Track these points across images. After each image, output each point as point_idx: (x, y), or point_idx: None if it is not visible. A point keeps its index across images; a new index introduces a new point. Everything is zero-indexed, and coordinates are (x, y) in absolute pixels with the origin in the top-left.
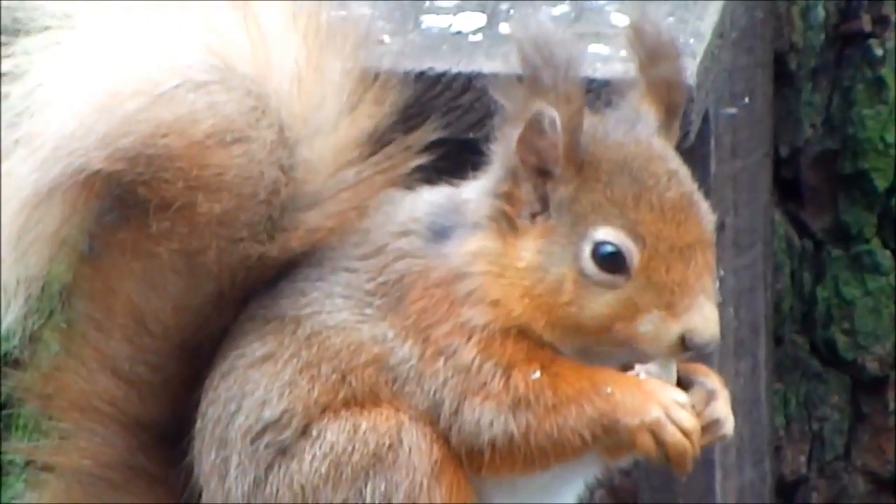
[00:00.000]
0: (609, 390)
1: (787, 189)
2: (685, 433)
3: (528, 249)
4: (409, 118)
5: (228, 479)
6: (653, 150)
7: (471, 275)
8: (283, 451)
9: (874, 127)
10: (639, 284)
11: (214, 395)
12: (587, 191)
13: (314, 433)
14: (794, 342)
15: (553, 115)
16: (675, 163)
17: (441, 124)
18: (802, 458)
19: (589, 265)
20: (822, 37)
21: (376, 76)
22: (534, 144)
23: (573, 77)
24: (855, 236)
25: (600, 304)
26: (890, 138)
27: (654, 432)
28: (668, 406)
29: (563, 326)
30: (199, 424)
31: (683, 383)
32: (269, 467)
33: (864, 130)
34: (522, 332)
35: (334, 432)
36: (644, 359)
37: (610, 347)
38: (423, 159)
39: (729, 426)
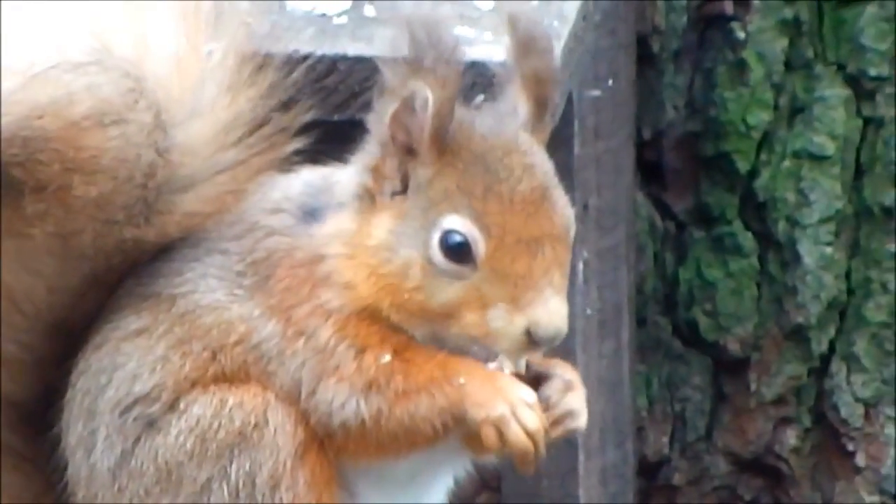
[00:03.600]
0: (462, 381)
1: (650, 171)
2: (529, 433)
3: (380, 228)
4: (286, 101)
5: (95, 453)
6: (514, 143)
7: (328, 256)
8: (151, 425)
9: (736, 109)
10: (485, 276)
11: (85, 365)
12: (443, 177)
13: (181, 406)
14: (657, 323)
15: (427, 95)
16: (537, 158)
17: (306, 106)
18: (665, 439)
19: (436, 254)
20: (685, 19)
21: (254, 57)
22: (405, 122)
23: (454, 63)
24: (717, 218)
25: (448, 293)
26: (752, 121)
27: (499, 428)
28: (515, 404)
29: (409, 311)
30: (68, 395)
31: (541, 375)
32: (136, 441)
33: (726, 113)
34: (375, 315)
35: (201, 406)
36: (495, 354)
37: (462, 340)
38: (300, 143)
39: (582, 420)
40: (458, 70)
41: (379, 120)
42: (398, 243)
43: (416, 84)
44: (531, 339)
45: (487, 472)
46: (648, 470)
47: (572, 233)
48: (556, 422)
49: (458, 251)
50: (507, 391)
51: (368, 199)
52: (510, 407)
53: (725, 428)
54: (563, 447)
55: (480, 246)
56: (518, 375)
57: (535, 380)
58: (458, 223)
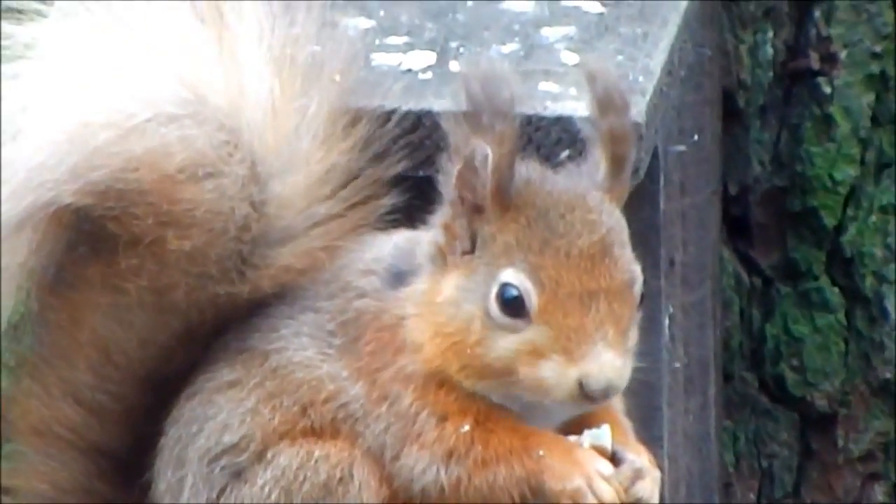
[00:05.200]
0: (541, 453)
1: (736, 226)
2: None
3: (449, 286)
4: (378, 156)
5: (181, 500)
6: (580, 200)
7: (406, 319)
8: (238, 475)
9: (822, 164)
10: (538, 329)
11: (178, 414)
12: (505, 232)
13: (269, 457)
14: (744, 379)
15: (486, 152)
16: (603, 216)
17: (397, 159)
18: (752, 496)
19: (494, 307)
20: (771, 74)
21: (347, 112)
22: (469, 181)
23: (511, 118)
24: (804, 273)
25: (503, 346)
26: (838, 176)
27: (575, 501)
28: (592, 477)
29: (475, 370)
30: (160, 442)
31: (615, 460)
32: (222, 491)
33: (813, 168)
34: (448, 381)
35: (288, 457)
36: (554, 408)
37: (521, 393)
38: (393, 198)
39: None
40: (515, 125)
41: (446, 180)
42: (463, 299)
43: (476, 142)
44: (584, 392)
45: None
46: None
47: (636, 289)
48: None
49: (513, 304)
50: (584, 464)
51: (441, 258)
52: (586, 480)
53: (813, 484)
54: None
55: (533, 299)
56: (598, 450)
57: (611, 461)
58: (514, 277)
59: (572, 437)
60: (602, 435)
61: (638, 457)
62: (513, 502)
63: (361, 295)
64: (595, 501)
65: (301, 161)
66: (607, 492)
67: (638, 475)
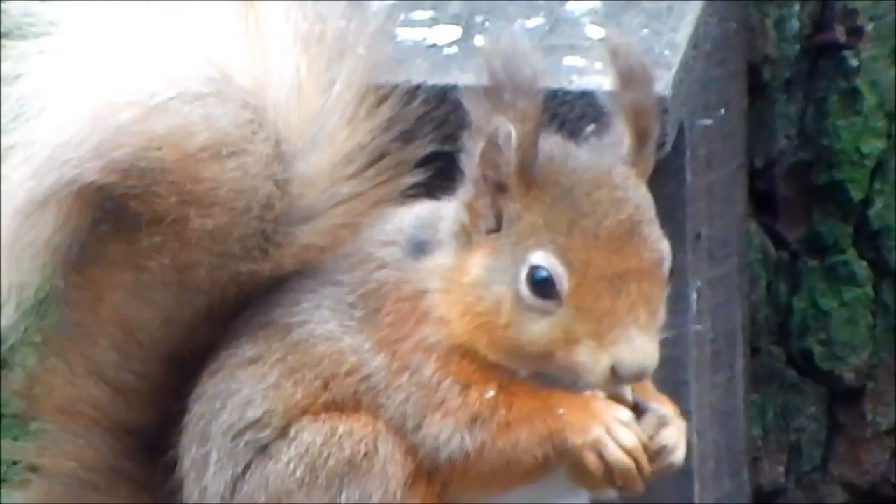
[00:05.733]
0: (561, 411)
1: (762, 200)
2: (627, 451)
3: (475, 265)
4: (401, 133)
5: (206, 476)
6: (606, 177)
7: (428, 292)
8: (262, 450)
9: (848, 138)
10: (569, 312)
11: (202, 390)
12: (531, 211)
13: (292, 433)
14: (771, 353)
15: (509, 130)
16: (630, 192)
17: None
18: (780, 469)
19: (524, 289)
20: (797, 48)
21: (374, 90)
22: (493, 159)
23: (533, 95)
24: (830, 247)
25: (535, 329)
26: (864, 149)
27: (598, 450)
28: (610, 424)
29: (504, 349)
30: (185, 419)
31: (638, 410)
32: (247, 466)
33: (839, 141)
34: (473, 355)
35: (311, 433)
36: (589, 387)
37: (552, 372)
38: (416, 176)
39: (679, 454)
40: (537, 102)
41: (469, 158)
42: (491, 279)
43: (499, 119)
44: (616, 377)
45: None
46: (764, 500)
47: (665, 268)
48: (651, 457)
49: (544, 287)
50: (601, 413)
51: (465, 236)
52: (605, 428)
53: (841, 458)
54: (679, 478)
55: (564, 282)
56: (618, 400)
57: (632, 411)
58: (543, 259)
59: (588, 391)
60: (623, 388)
61: (661, 406)
62: (537, 463)
63: (382, 266)
64: (616, 448)
65: (326, 140)
66: (627, 436)
67: (662, 422)
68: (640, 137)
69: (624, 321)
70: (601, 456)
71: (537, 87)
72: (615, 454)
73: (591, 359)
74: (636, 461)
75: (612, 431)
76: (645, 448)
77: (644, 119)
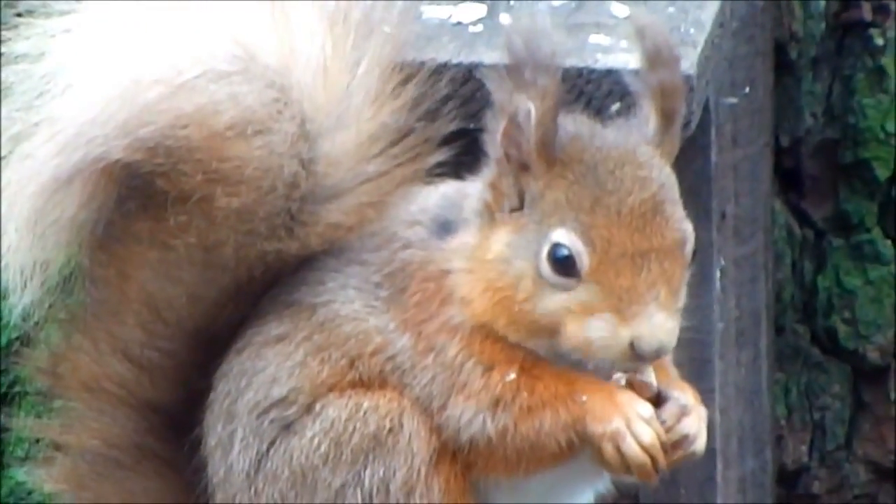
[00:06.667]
0: (584, 398)
1: (788, 178)
2: (644, 447)
3: (498, 242)
4: (426, 112)
5: (232, 453)
6: (630, 155)
7: (452, 272)
8: (287, 427)
9: (875, 116)
10: (589, 289)
11: (227, 368)
12: (553, 189)
13: (317, 409)
14: (796, 331)
15: (529, 108)
16: (654, 171)
17: (450, 118)
18: (804, 448)
19: (545, 266)
20: (823, 26)
21: (401, 69)
22: (514, 137)
23: (553, 73)
24: (856, 225)
25: (552, 304)
26: (890, 127)
27: (615, 443)
28: (631, 418)
29: (522, 326)
30: (210, 397)
31: (660, 398)
32: (272, 444)
33: (865, 119)
34: (494, 334)
35: (336, 409)
36: (602, 369)
37: (568, 351)
38: (442, 154)
39: (700, 443)
40: (557, 80)
41: (492, 138)
42: (513, 255)
43: (519, 98)
44: (635, 353)
45: (625, 482)
46: (788, 479)
47: (688, 249)
48: (672, 446)
49: (564, 264)
50: (623, 406)
51: (489, 215)
52: (626, 421)
53: (865, 436)
54: (702, 457)
55: (584, 259)
56: (643, 387)
57: (654, 400)
58: (565, 237)
59: (614, 376)
60: (646, 373)
61: (683, 394)
62: (559, 449)
63: (407, 245)
64: (633, 444)
65: (351, 119)
66: (646, 433)
67: (683, 412)
68: (667, 118)
69: (644, 298)
70: (618, 448)
71: (557, 65)
72: (632, 449)
73: (609, 333)
74: (652, 458)
75: (632, 426)
76: (662, 444)
77: (671, 100)
